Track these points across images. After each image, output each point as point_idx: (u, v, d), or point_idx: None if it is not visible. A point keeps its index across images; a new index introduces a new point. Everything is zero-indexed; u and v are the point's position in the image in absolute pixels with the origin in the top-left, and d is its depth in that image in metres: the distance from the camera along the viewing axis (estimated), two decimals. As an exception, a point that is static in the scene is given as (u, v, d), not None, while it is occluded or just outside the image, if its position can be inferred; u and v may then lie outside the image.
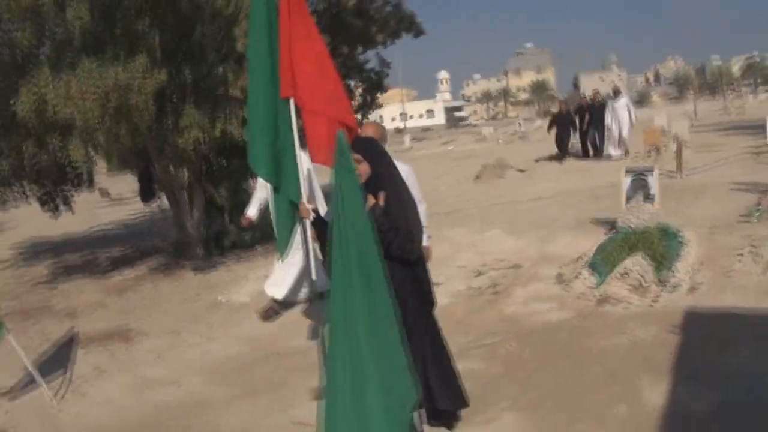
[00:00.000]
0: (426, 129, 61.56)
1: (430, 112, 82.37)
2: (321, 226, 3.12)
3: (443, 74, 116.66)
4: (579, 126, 15.43)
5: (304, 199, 3.40)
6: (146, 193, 8.34)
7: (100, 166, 9.43)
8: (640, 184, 7.47)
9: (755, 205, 7.46)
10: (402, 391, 1.99)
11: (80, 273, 8.86)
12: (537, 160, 15.95)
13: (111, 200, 12.55)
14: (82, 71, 5.10)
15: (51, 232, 14.17)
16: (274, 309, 5.56)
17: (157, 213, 10.68)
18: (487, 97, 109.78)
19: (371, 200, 2.89)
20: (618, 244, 6.23)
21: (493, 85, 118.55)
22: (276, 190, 3.72)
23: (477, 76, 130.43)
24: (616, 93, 15.41)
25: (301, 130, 3.54)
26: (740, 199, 7.89)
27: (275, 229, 3.91)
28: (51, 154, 6.10)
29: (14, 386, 4.71)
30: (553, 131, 15.99)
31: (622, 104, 14.83)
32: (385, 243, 2.78)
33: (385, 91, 10.27)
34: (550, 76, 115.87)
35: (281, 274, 5.30)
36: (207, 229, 8.42)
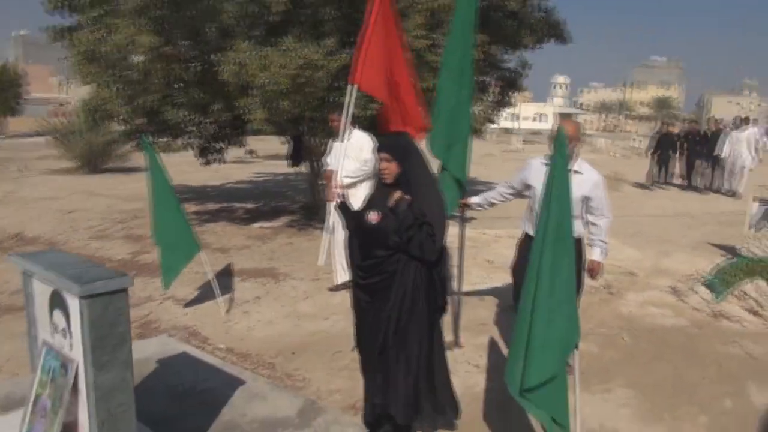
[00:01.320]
0: (535, 132, 60.47)
1: (543, 116, 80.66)
2: (345, 212, 3.15)
3: (561, 79, 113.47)
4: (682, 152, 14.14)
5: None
6: (295, 157, 9.33)
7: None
8: (767, 215, 7.48)
9: None
10: (568, 334, 2.53)
11: (223, 219, 10.06)
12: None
13: (255, 157, 13.76)
14: (283, 47, 6.03)
15: (189, 181, 15.88)
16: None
17: (293, 176, 11.74)
18: (603, 107, 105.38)
19: (396, 195, 2.91)
20: (738, 268, 6.40)
21: (612, 95, 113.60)
22: (443, 168, 4.32)
23: (595, 84, 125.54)
24: (740, 122, 13.48)
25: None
26: None
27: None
28: (235, 113, 7.12)
29: (195, 297, 5.73)
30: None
31: (747, 136, 12.87)
32: (405, 239, 2.85)
33: (521, 91, 10.66)
34: (675, 93, 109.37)
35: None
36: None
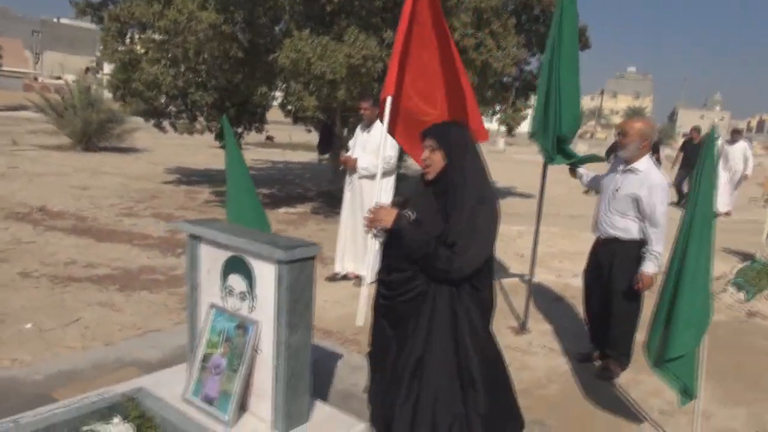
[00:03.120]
0: (513, 135, 61.54)
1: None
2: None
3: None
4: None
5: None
6: (324, 146, 9.46)
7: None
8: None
9: None
10: (705, 315, 2.81)
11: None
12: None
13: (271, 142, 13.81)
14: (350, 38, 6.18)
15: (188, 164, 15.81)
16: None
17: (293, 165, 11.84)
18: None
19: (387, 218, 2.42)
20: (758, 272, 6.83)
21: (587, 103, 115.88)
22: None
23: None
24: (735, 135, 13.29)
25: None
26: None
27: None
28: (288, 98, 7.24)
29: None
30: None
31: (739, 150, 12.84)
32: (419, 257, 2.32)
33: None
34: (647, 104, 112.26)
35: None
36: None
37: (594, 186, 4.30)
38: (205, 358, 2.73)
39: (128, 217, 8.40)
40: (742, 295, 6.10)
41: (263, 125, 10.63)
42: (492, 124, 12.00)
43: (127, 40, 8.53)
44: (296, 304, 2.46)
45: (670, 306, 2.79)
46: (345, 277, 5.96)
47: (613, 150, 13.32)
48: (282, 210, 9.57)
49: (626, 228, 3.74)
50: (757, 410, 3.74)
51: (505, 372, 2.60)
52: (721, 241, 9.15)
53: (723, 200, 12.54)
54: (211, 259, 2.76)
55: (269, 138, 11.27)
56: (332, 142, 9.20)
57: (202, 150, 19.06)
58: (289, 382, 2.51)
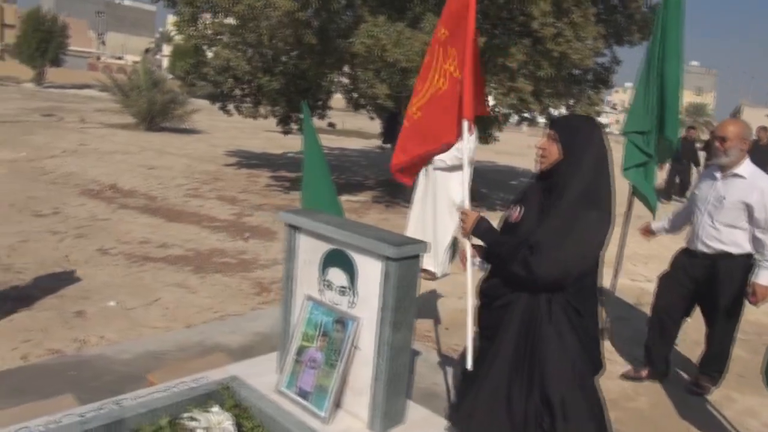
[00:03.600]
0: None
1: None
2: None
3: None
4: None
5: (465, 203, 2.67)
6: (389, 135, 9.39)
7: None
8: None
9: None
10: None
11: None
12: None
13: (333, 129, 13.89)
14: (426, 25, 6.06)
15: (248, 146, 16.02)
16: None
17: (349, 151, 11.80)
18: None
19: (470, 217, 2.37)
20: None
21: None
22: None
23: (629, 84, 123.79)
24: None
25: None
26: None
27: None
28: (359, 85, 7.18)
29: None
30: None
31: None
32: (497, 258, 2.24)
33: (608, 88, 10.55)
34: (709, 100, 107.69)
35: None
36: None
37: (679, 226, 4.02)
38: (300, 350, 2.69)
39: (195, 198, 8.55)
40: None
41: (326, 111, 10.63)
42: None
43: (200, 25, 8.62)
44: (401, 302, 2.38)
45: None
46: None
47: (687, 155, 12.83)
48: (343, 198, 9.53)
49: (735, 241, 3.46)
50: None
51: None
52: None
53: None
54: (309, 251, 2.71)
55: (331, 125, 11.22)
56: (397, 130, 9.10)
57: (258, 134, 19.30)
58: (390, 382, 2.44)
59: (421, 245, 2.42)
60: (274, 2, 6.30)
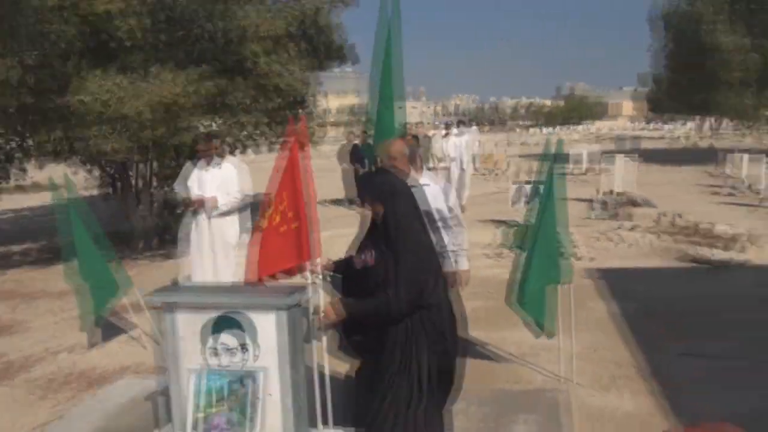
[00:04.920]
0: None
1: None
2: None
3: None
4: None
5: None
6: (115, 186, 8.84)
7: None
8: (521, 192, 10.13)
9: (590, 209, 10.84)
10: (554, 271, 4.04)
11: (17, 265, 8.85)
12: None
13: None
14: (152, 76, 5.96)
15: None
16: None
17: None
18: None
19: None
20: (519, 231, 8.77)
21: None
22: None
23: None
24: (462, 125, 13.27)
25: None
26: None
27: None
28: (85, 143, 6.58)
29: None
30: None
31: (465, 142, 12.49)
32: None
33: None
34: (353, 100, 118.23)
35: None
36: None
37: None
38: (197, 422, 2.81)
39: None
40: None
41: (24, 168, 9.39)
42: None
43: None
44: (296, 344, 2.81)
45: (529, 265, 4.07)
46: None
47: None
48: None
49: None
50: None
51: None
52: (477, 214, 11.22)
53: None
54: (190, 324, 2.87)
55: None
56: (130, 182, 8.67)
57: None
58: (298, 417, 2.84)
59: (302, 291, 2.87)
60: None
